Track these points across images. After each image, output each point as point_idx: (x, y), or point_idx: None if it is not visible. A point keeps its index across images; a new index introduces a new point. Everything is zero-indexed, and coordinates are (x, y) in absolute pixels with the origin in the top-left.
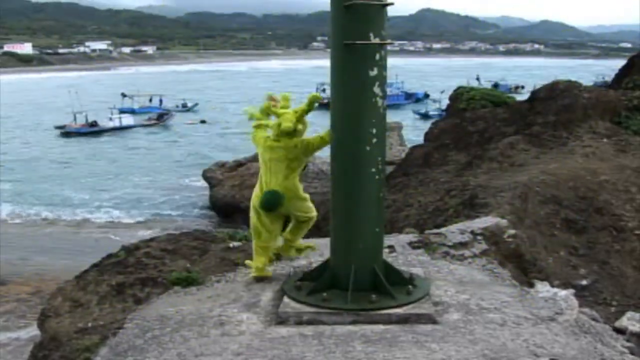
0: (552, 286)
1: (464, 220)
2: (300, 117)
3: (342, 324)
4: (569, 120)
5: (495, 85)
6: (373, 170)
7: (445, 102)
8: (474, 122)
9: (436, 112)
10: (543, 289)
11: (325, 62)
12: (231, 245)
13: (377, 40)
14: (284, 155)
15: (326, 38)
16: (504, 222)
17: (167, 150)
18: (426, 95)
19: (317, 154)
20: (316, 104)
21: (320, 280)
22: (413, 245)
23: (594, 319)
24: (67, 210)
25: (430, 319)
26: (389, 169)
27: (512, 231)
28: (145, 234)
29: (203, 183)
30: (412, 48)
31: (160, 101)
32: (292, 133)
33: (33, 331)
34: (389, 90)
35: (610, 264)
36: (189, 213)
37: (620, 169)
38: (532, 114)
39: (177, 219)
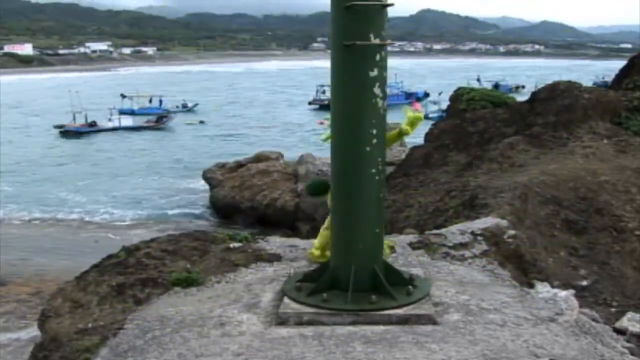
0: (552, 287)
1: (464, 220)
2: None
3: (342, 324)
4: (569, 120)
5: (496, 86)
6: (373, 170)
7: (444, 103)
8: (474, 122)
9: (436, 114)
10: (543, 289)
11: (322, 63)
12: (231, 246)
13: (377, 41)
14: None
15: (326, 39)
16: (504, 222)
17: (167, 151)
18: (426, 95)
19: (317, 154)
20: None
21: (320, 281)
22: (413, 246)
23: (594, 320)
24: (67, 211)
25: (430, 320)
26: (389, 169)
27: (512, 232)
28: (146, 234)
29: (203, 184)
30: (412, 49)
31: (160, 102)
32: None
33: (33, 332)
34: (388, 91)
35: (610, 265)
36: (189, 214)
37: (621, 169)
38: (532, 114)
39: (177, 220)
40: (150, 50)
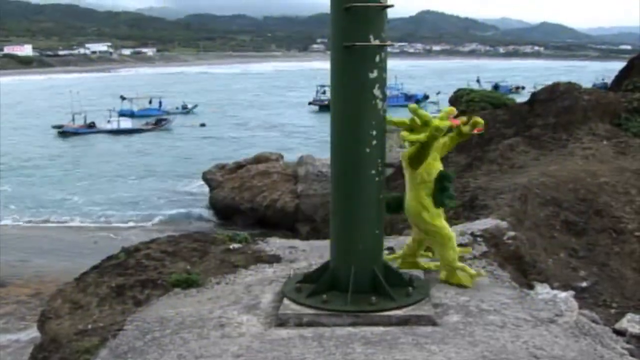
0: (552, 288)
1: (463, 222)
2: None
3: (342, 325)
4: (569, 122)
5: (496, 86)
6: (373, 172)
7: (444, 104)
8: None
9: (436, 114)
10: (543, 290)
11: (319, 64)
12: (231, 247)
13: (376, 42)
14: None
15: (326, 40)
16: (503, 224)
17: (166, 152)
18: (425, 97)
19: (317, 155)
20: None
21: (320, 282)
22: None
23: (593, 321)
24: (66, 212)
25: (430, 321)
26: (389, 171)
27: (511, 233)
28: (145, 235)
29: (203, 185)
30: (412, 50)
31: (160, 103)
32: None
33: (33, 333)
34: (388, 92)
35: (610, 266)
36: (188, 215)
37: (620, 171)
38: (532, 115)
39: (176, 221)
40: (150, 52)
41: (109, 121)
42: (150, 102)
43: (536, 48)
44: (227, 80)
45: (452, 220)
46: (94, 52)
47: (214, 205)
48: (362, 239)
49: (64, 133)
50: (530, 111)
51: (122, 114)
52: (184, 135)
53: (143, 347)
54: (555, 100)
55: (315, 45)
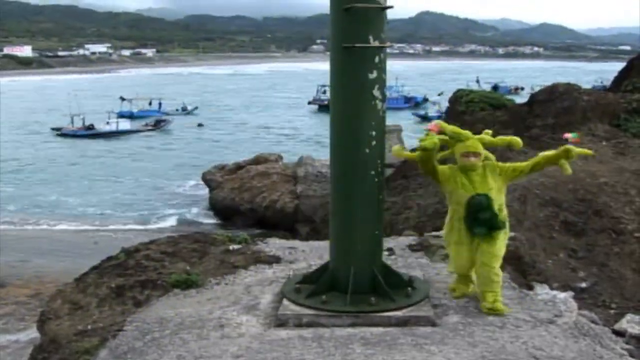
0: (551, 289)
1: None
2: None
3: (342, 326)
4: (568, 122)
5: (495, 87)
6: (372, 172)
7: (445, 105)
8: (473, 124)
9: (436, 115)
10: (542, 291)
11: (309, 65)
12: (231, 247)
13: (376, 43)
14: None
15: (326, 41)
16: None
17: (166, 153)
18: (425, 100)
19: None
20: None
21: (319, 283)
22: (412, 248)
23: (593, 322)
24: (66, 213)
25: (429, 322)
26: (388, 171)
27: (511, 233)
28: (145, 236)
29: (202, 186)
30: (411, 51)
31: (160, 104)
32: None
33: (32, 334)
34: (388, 94)
35: (609, 267)
36: (188, 215)
37: (619, 171)
38: (531, 116)
39: (176, 222)
40: (149, 52)
41: (107, 123)
42: (150, 103)
43: (535, 49)
44: (216, 82)
45: None
46: (93, 53)
47: (213, 205)
48: (362, 239)
49: (63, 136)
50: (529, 112)
51: (121, 115)
52: (182, 136)
53: (143, 348)
54: (555, 101)
55: (314, 46)
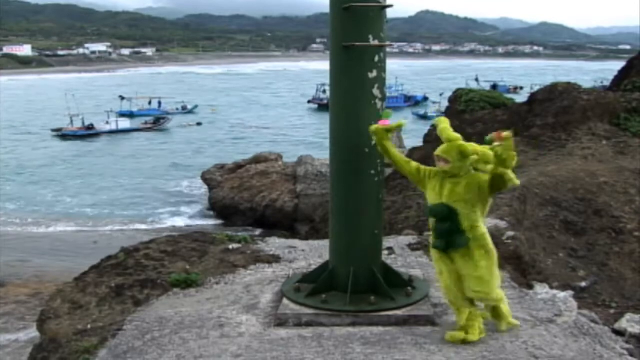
0: (551, 288)
1: None
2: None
3: (341, 325)
4: (568, 122)
5: (494, 86)
6: (372, 172)
7: (445, 104)
8: (473, 124)
9: (435, 114)
10: (542, 290)
11: (310, 65)
12: (230, 247)
13: (376, 42)
14: None
15: (326, 40)
16: (503, 224)
17: (165, 153)
18: (425, 99)
19: (316, 155)
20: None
21: (319, 282)
22: (412, 247)
23: (593, 321)
24: (66, 212)
25: (429, 321)
26: (388, 170)
27: (511, 233)
28: (144, 235)
29: (202, 185)
30: (411, 50)
31: (159, 104)
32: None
33: (32, 333)
34: (387, 93)
35: (609, 266)
36: (188, 215)
37: (619, 170)
38: (531, 116)
39: (176, 221)
40: (149, 52)
41: (107, 122)
42: (149, 102)
43: (535, 48)
44: (206, 81)
45: None
46: (93, 52)
47: (213, 205)
48: (362, 239)
49: (63, 136)
50: (529, 111)
51: (121, 114)
52: (182, 135)
53: (142, 347)
54: (554, 100)
55: (314, 45)
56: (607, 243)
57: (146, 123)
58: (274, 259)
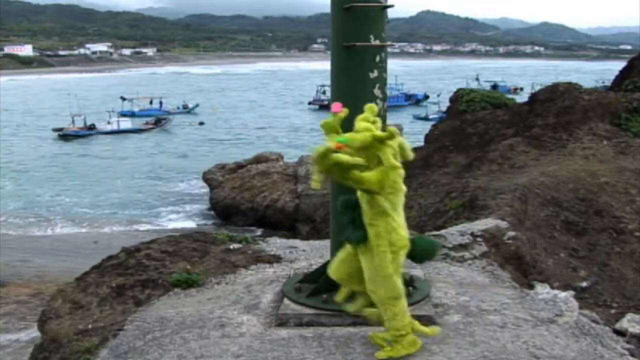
0: (552, 288)
1: (464, 222)
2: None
3: (342, 325)
4: (569, 122)
5: (494, 86)
6: None
7: (444, 104)
8: (474, 124)
9: (436, 115)
10: (543, 290)
11: (306, 64)
12: (231, 247)
13: (377, 42)
14: None
15: (326, 40)
16: (504, 224)
17: (166, 153)
18: (426, 97)
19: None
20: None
21: (320, 282)
22: None
23: (594, 321)
24: (67, 212)
25: (430, 321)
26: None
27: (512, 233)
28: (145, 235)
29: (203, 185)
30: (412, 50)
31: (160, 103)
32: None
33: (33, 333)
34: (388, 92)
35: (610, 266)
36: (189, 215)
37: (620, 171)
38: (532, 115)
39: (177, 221)
40: (150, 52)
41: (108, 122)
42: (151, 102)
43: (536, 48)
44: (201, 82)
45: (452, 220)
46: (94, 52)
47: (214, 205)
48: None
49: (64, 136)
50: (530, 111)
51: (123, 114)
52: (183, 135)
53: (143, 347)
54: (555, 100)
55: (315, 45)
56: (608, 243)
57: (147, 123)
58: (275, 259)
